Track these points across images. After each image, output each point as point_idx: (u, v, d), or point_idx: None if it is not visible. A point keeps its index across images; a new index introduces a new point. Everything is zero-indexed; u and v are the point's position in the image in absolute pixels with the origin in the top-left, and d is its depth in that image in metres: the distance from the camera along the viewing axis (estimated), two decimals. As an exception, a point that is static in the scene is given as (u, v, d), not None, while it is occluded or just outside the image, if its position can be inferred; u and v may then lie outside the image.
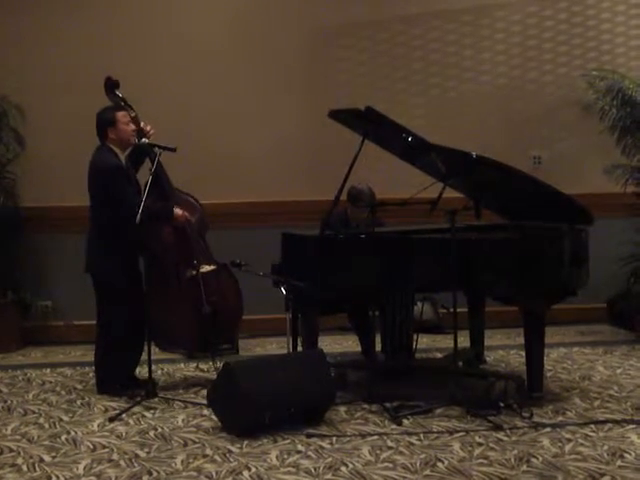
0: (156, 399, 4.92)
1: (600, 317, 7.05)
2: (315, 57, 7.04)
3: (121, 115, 5.16)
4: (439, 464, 3.89)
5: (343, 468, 3.86)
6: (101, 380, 5.20)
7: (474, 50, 7.15)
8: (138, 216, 4.67)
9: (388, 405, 4.65)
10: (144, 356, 4.99)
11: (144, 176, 5.11)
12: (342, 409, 4.71)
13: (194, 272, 5.27)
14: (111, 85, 5.43)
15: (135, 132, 5.20)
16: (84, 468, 3.94)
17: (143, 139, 5.19)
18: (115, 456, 4.09)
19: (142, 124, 5.34)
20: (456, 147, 4.81)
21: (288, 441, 4.22)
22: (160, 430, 4.47)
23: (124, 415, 4.69)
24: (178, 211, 5.24)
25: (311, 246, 5.17)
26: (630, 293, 6.82)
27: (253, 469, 3.87)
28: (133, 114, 5.33)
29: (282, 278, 4.95)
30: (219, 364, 4.93)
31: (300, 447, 4.14)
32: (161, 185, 5.31)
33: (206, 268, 5.33)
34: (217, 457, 4.04)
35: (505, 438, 4.21)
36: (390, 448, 4.10)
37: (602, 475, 3.72)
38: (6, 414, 4.86)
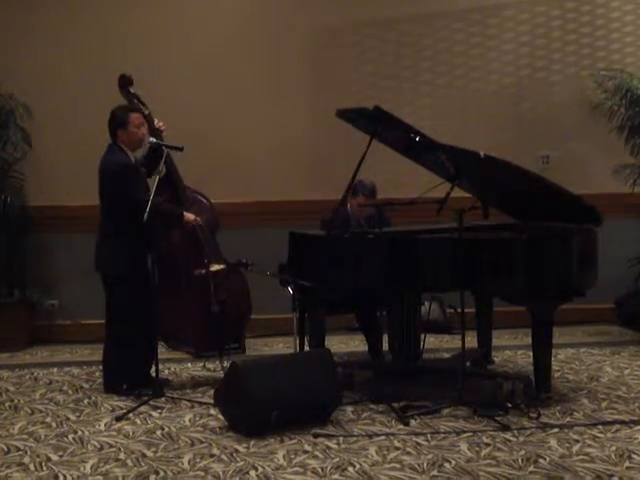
0: (163, 398, 4.92)
1: (608, 317, 7.03)
2: (321, 57, 7.03)
3: (134, 117, 5.11)
4: (446, 464, 3.88)
5: (350, 468, 3.86)
6: (108, 379, 5.20)
7: (482, 49, 7.13)
8: (145, 215, 4.67)
9: (395, 405, 4.64)
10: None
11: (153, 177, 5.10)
12: (349, 409, 4.70)
13: (203, 271, 5.27)
14: (125, 82, 5.42)
15: (146, 135, 5.16)
16: (91, 467, 3.94)
17: (151, 138, 5.17)
18: (122, 455, 4.09)
19: (155, 121, 5.34)
20: (464, 147, 4.80)
21: (295, 441, 4.22)
22: (167, 429, 4.47)
23: (131, 414, 4.69)
24: (189, 216, 5.22)
25: (318, 245, 5.16)
26: (638, 293, 6.80)
27: (260, 469, 3.87)
28: (146, 112, 5.32)
29: (289, 278, 4.94)
30: (226, 363, 4.93)
31: (307, 447, 4.13)
32: (173, 184, 5.31)
33: (216, 267, 5.32)
34: (224, 457, 4.04)
35: (512, 439, 4.20)
36: (397, 448, 4.09)
37: (610, 476, 3.71)
38: (13, 413, 4.86)
